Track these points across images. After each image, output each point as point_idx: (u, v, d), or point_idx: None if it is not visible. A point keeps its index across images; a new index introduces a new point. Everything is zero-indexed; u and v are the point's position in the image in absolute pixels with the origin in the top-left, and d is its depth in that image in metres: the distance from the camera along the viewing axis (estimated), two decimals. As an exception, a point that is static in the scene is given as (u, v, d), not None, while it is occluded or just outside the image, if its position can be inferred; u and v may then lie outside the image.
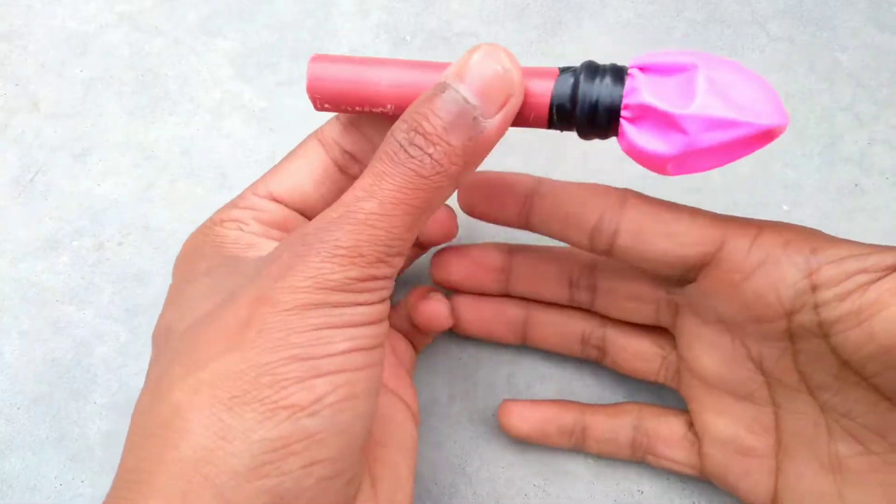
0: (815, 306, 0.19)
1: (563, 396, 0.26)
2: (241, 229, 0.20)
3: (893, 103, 0.29)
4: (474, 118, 0.17)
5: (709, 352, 0.22)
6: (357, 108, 0.19)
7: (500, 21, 0.32)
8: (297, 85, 0.31)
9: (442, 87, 0.17)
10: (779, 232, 0.20)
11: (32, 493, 0.25)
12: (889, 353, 0.18)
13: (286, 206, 0.21)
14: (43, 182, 0.30)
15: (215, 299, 0.18)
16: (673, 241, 0.20)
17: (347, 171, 0.21)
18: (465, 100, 0.17)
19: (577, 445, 0.24)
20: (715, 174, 0.29)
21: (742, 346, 0.21)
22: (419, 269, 0.27)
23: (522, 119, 0.18)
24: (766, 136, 0.17)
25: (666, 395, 0.25)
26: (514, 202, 0.22)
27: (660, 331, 0.24)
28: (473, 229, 0.28)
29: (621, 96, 0.18)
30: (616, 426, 0.24)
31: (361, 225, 0.16)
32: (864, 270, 0.18)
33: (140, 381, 0.27)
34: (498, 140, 0.18)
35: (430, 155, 0.17)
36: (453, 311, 0.24)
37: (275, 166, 0.22)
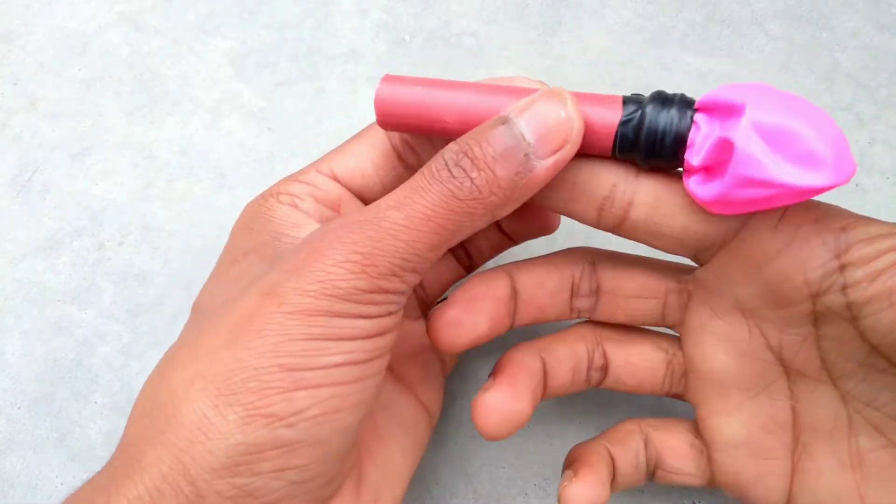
0: (844, 287, 0.18)
1: (564, 400, 0.26)
2: (296, 204, 0.20)
3: (893, 103, 0.29)
4: (526, 155, 0.17)
5: (721, 345, 0.20)
6: (424, 132, 0.19)
7: (499, 21, 0.32)
8: (296, 85, 0.31)
9: (503, 120, 0.17)
10: (807, 208, 0.18)
11: (34, 493, 0.25)
12: None
13: (345, 185, 0.21)
14: (41, 182, 0.30)
15: (244, 284, 0.18)
16: (694, 216, 0.18)
17: (406, 159, 0.21)
18: (522, 136, 0.17)
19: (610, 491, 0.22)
20: (714, 174, 0.29)
21: (760, 334, 0.20)
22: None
23: (586, 148, 0.18)
24: (812, 192, 0.16)
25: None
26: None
27: (661, 335, 0.23)
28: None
29: (689, 126, 0.17)
30: (632, 450, 0.22)
31: (383, 233, 0.16)
32: (892, 249, 0.17)
33: (141, 381, 0.27)
34: (546, 182, 0.17)
35: (472, 179, 0.17)
36: (498, 413, 0.20)
37: (338, 147, 0.22)
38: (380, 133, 0.21)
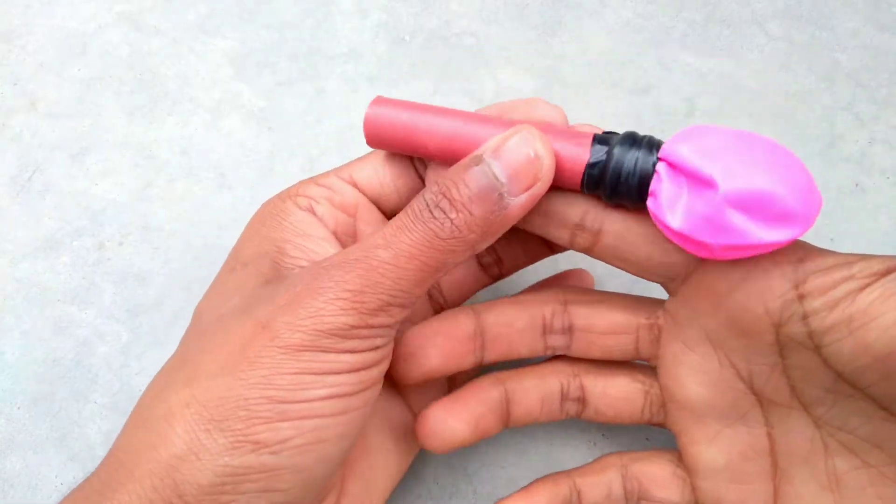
0: (804, 317, 0.18)
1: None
2: (313, 208, 0.21)
3: (893, 103, 0.29)
4: (500, 194, 0.18)
5: (695, 376, 0.21)
6: (408, 153, 0.21)
7: (499, 21, 0.32)
8: (296, 85, 0.31)
9: (477, 160, 0.18)
10: None
11: (33, 493, 0.25)
12: (883, 363, 0.17)
13: (363, 192, 0.22)
14: (41, 182, 0.30)
15: (238, 303, 0.19)
16: (657, 247, 0.20)
17: (420, 171, 0.22)
18: (496, 176, 0.18)
19: None
20: (714, 174, 0.29)
21: (730, 365, 0.20)
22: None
23: (557, 182, 0.19)
24: (787, 243, 0.18)
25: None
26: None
27: (638, 367, 0.23)
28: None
29: (651, 173, 0.18)
30: (607, 481, 0.22)
31: (372, 272, 0.18)
32: (852, 278, 0.18)
33: (141, 381, 0.27)
34: (519, 218, 0.19)
35: (451, 220, 0.18)
36: (434, 428, 0.22)
37: (360, 157, 0.23)
38: None
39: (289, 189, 0.22)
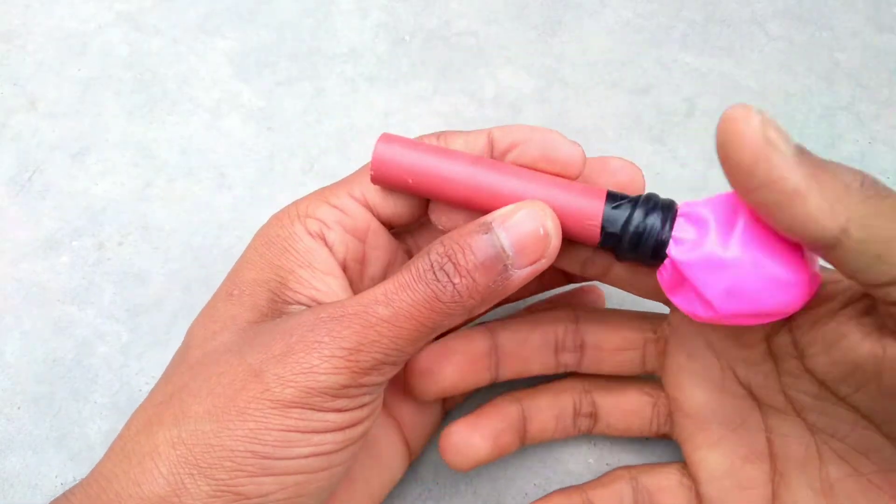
0: (790, 329, 0.19)
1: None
2: (324, 235, 0.21)
3: (893, 103, 0.29)
4: (505, 265, 0.18)
5: (698, 383, 0.22)
6: (413, 194, 0.20)
7: (499, 21, 0.32)
8: (295, 84, 0.31)
9: (486, 228, 0.18)
10: None
11: (33, 492, 0.25)
12: (853, 375, 0.18)
13: (376, 212, 0.21)
14: (41, 182, 0.30)
15: (229, 339, 0.19)
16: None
17: None
18: (503, 247, 0.18)
19: None
20: (714, 173, 0.29)
21: (731, 372, 0.21)
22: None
23: (570, 236, 0.19)
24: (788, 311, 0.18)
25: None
26: None
27: (645, 381, 0.24)
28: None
29: (668, 238, 0.19)
30: (618, 493, 0.23)
31: (369, 329, 0.18)
32: (834, 297, 0.18)
33: (141, 381, 0.27)
34: (519, 287, 0.19)
35: (454, 284, 0.18)
36: (457, 445, 0.23)
37: (365, 168, 0.22)
38: None
39: (298, 206, 0.21)
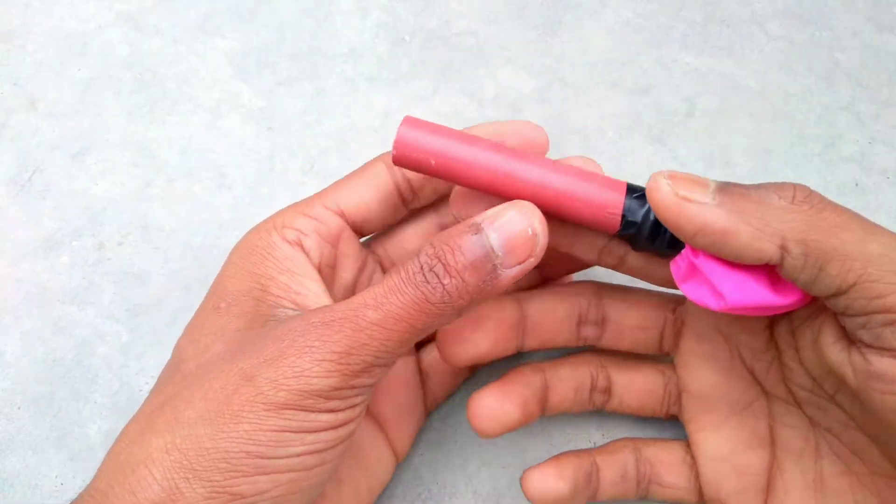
0: (790, 318, 0.20)
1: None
2: (301, 242, 0.21)
3: (893, 103, 0.29)
4: (494, 266, 0.18)
5: (707, 365, 0.22)
6: (433, 176, 0.21)
7: (499, 21, 0.32)
8: (295, 84, 0.31)
9: (476, 229, 0.18)
10: None
11: (33, 492, 0.25)
12: (832, 375, 0.19)
13: (349, 220, 0.22)
14: (41, 182, 0.30)
15: (220, 349, 0.19)
16: None
17: (406, 198, 0.23)
18: (492, 248, 0.18)
19: (592, 495, 0.24)
20: (715, 173, 0.29)
21: (739, 356, 0.22)
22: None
23: (588, 223, 0.20)
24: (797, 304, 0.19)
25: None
26: None
27: (659, 361, 0.24)
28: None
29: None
30: (622, 462, 0.23)
31: (360, 333, 0.18)
32: (823, 311, 0.19)
33: (141, 381, 0.27)
34: (507, 288, 0.19)
35: (443, 285, 0.18)
36: (488, 410, 0.23)
37: (341, 180, 0.23)
38: (383, 172, 0.23)
39: (274, 219, 0.22)
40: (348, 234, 0.22)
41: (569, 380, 0.24)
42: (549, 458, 0.23)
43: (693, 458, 0.23)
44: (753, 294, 0.18)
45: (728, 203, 0.17)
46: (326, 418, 0.18)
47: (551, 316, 0.23)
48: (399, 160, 0.20)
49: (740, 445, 0.22)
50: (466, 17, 0.32)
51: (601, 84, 0.31)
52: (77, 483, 0.25)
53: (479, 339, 0.22)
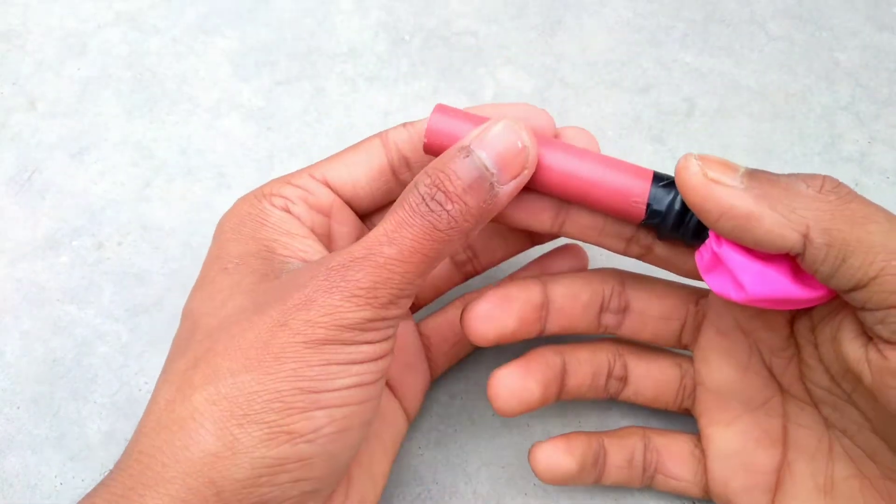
0: (811, 314, 0.20)
1: (565, 402, 0.26)
2: (288, 208, 0.21)
3: (893, 103, 0.30)
4: (491, 183, 0.19)
5: (725, 360, 0.22)
6: None
7: (499, 20, 0.32)
8: (295, 84, 0.31)
9: (466, 151, 0.19)
10: None
11: (32, 492, 0.25)
12: (849, 373, 0.19)
13: (337, 193, 0.22)
14: (40, 181, 0.30)
15: (241, 302, 0.19)
16: None
17: (399, 174, 0.23)
18: (486, 167, 0.19)
19: (598, 477, 0.23)
20: (714, 174, 0.29)
21: (758, 352, 0.22)
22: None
23: (621, 213, 0.20)
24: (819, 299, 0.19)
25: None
26: (549, 209, 0.22)
27: (677, 354, 0.24)
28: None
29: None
30: (630, 447, 0.23)
31: (381, 269, 0.18)
32: (844, 307, 0.19)
33: (140, 381, 0.27)
34: (507, 202, 0.19)
35: (447, 211, 0.18)
36: (511, 388, 0.23)
37: (334, 155, 0.23)
38: (378, 148, 0.22)
39: (262, 189, 0.22)
40: (340, 203, 0.22)
41: (587, 364, 0.23)
42: (559, 435, 0.23)
43: (702, 452, 0.23)
44: (774, 285, 0.18)
45: (755, 188, 0.17)
46: (367, 349, 0.18)
47: (575, 301, 0.23)
48: (430, 148, 0.20)
49: (751, 443, 0.22)
50: (466, 16, 0.32)
51: (601, 84, 0.31)
52: (77, 483, 0.25)
53: (506, 319, 0.22)
